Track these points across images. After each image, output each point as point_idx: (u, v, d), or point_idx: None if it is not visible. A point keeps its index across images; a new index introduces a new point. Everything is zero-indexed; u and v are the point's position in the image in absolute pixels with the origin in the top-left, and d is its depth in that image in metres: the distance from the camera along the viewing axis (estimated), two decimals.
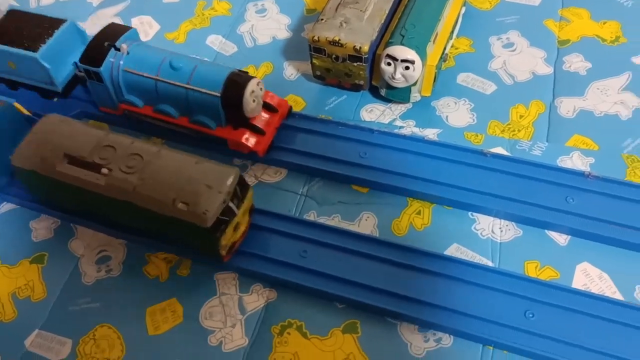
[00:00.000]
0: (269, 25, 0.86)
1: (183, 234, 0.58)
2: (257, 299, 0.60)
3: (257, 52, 0.82)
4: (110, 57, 0.67)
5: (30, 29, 0.73)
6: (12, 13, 0.75)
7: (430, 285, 0.57)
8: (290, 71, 0.79)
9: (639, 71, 0.74)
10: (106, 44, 0.68)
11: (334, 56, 0.70)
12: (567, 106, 0.72)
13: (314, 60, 0.73)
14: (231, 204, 0.56)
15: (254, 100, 0.65)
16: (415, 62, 0.67)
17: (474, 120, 0.72)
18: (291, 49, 0.82)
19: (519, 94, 0.74)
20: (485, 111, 0.72)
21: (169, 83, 0.66)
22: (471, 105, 0.73)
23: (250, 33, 0.85)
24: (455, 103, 0.73)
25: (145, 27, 0.87)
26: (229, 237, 0.58)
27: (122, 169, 0.57)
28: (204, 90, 0.65)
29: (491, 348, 0.55)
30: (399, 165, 0.66)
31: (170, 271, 0.63)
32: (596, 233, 0.60)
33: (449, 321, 0.56)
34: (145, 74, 0.67)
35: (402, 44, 0.67)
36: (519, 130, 0.70)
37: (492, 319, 0.55)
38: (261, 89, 0.66)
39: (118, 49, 0.67)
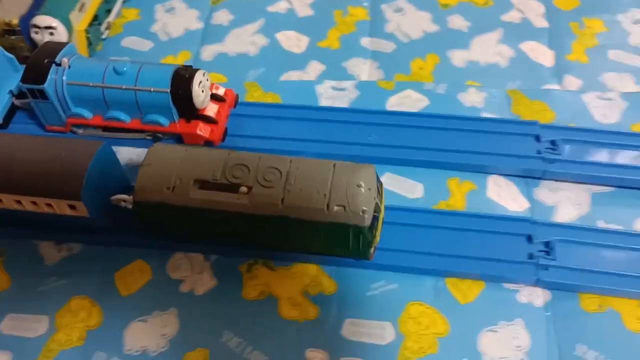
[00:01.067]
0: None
1: (332, 240, 0.57)
2: None
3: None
4: (52, 73, 0.68)
5: None
6: None
7: None
8: None
9: (507, 27, 0.87)
10: (46, 60, 0.68)
11: None
12: (458, 58, 0.84)
13: None
14: (377, 200, 0.57)
15: (202, 91, 0.68)
16: (58, 28, 0.76)
17: (381, 76, 0.81)
18: None
19: (415, 50, 0.84)
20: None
21: (116, 88, 0.68)
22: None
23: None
24: None
25: None
26: (379, 234, 0.59)
27: (263, 184, 0.55)
28: (152, 89, 0.67)
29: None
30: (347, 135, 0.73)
31: None
32: None
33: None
34: (90, 84, 0.68)
35: (43, 13, 0.76)
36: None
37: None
38: (207, 79, 0.69)
39: (59, 64, 0.68)
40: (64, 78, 0.68)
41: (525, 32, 0.87)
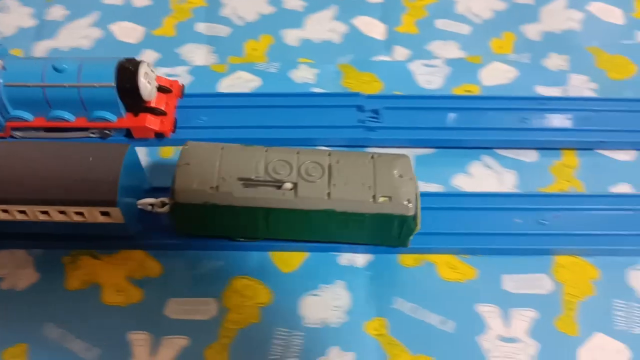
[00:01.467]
0: None
1: (375, 230, 0.58)
2: None
3: None
4: None
5: None
6: None
7: None
8: None
9: (342, 3, 0.90)
10: None
11: None
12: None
13: None
14: (417, 189, 0.58)
15: (149, 83, 0.66)
16: None
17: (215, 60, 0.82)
18: None
19: (249, 32, 0.85)
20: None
21: (58, 86, 0.65)
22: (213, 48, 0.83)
23: None
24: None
25: None
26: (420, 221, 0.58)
27: (307, 179, 0.55)
28: (97, 85, 0.65)
29: None
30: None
31: None
32: None
33: None
34: (30, 84, 0.65)
35: None
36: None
37: None
38: (152, 70, 0.68)
39: None
40: (1, 80, 0.65)
41: (360, 8, 0.90)
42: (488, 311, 0.61)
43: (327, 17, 0.88)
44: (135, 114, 0.69)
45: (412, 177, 0.57)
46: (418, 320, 0.61)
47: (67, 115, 0.68)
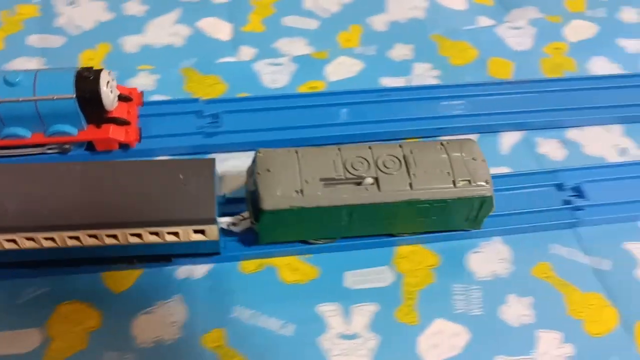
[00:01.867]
0: None
1: (455, 215, 0.60)
2: None
3: None
4: None
5: None
6: None
7: None
8: None
9: (186, 6, 0.87)
10: None
11: None
12: (131, 43, 0.82)
13: None
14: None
15: (111, 92, 0.63)
16: None
17: None
18: None
19: (86, 41, 0.81)
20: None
21: (12, 101, 0.61)
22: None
23: None
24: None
25: None
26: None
27: (387, 172, 0.57)
28: (56, 97, 0.61)
29: None
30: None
31: None
32: None
33: None
34: None
35: None
36: None
37: None
38: (113, 79, 0.64)
39: None
40: None
41: (205, 9, 0.87)
42: (329, 310, 0.60)
43: (170, 20, 0.85)
44: (98, 126, 0.66)
45: (483, 159, 0.59)
46: (258, 327, 0.59)
47: (22, 131, 0.64)
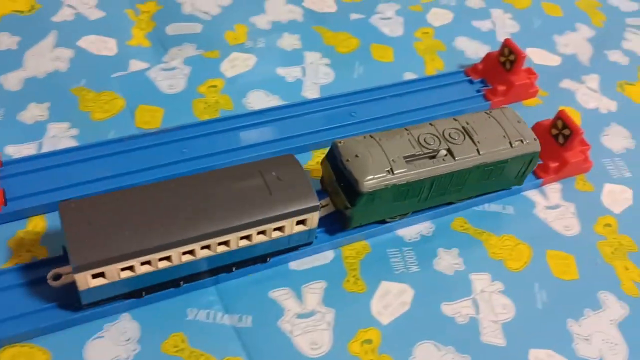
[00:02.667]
0: None
1: (511, 173, 0.67)
2: None
3: None
4: None
5: None
6: None
7: None
8: None
9: (62, 27, 0.84)
10: None
11: None
12: (12, 80, 0.77)
13: None
14: None
15: None
16: None
17: None
18: None
19: None
20: None
21: None
22: None
23: None
24: None
25: None
26: None
27: (456, 143, 0.63)
28: None
29: None
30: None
31: None
32: None
33: None
34: None
35: None
36: None
37: None
38: None
39: None
40: None
41: (82, 28, 0.84)
42: (281, 294, 0.62)
43: (48, 46, 0.82)
44: None
45: (524, 122, 0.68)
46: (216, 325, 0.59)
47: None
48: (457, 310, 0.63)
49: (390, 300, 0.63)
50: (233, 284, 0.62)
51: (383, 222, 0.67)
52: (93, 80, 0.78)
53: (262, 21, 0.90)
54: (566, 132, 0.73)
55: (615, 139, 0.83)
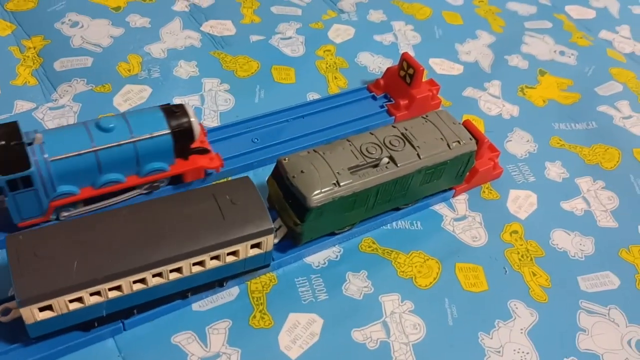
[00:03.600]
0: None
1: (451, 173, 0.69)
2: None
3: None
4: (29, 154, 0.56)
5: None
6: None
7: None
8: None
9: None
10: (13, 143, 0.56)
11: None
12: None
13: None
14: None
15: (197, 123, 0.64)
16: None
17: None
18: None
19: None
20: None
21: (114, 146, 0.60)
22: None
23: None
24: None
25: None
26: None
27: (397, 150, 0.64)
28: (155, 134, 0.62)
29: None
30: None
31: None
32: None
33: None
34: (82, 151, 0.59)
35: None
36: None
37: None
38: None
39: (30, 143, 0.58)
40: (45, 156, 0.58)
41: None
42: (184, 338, 0.59)
43: None
44: (185, 158, 0.67)
45: (459, 123, 0.69)
46: None
47: (118, 176, 0.63)
48: (367, 335, 0.61)
49: (299, 333, 0.61)
50: (135, 332, 0.59)
51: (332, 234, 0.67)
52: None
53: (157, 49, 0.87)
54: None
55: (519, 144, 0.84)
